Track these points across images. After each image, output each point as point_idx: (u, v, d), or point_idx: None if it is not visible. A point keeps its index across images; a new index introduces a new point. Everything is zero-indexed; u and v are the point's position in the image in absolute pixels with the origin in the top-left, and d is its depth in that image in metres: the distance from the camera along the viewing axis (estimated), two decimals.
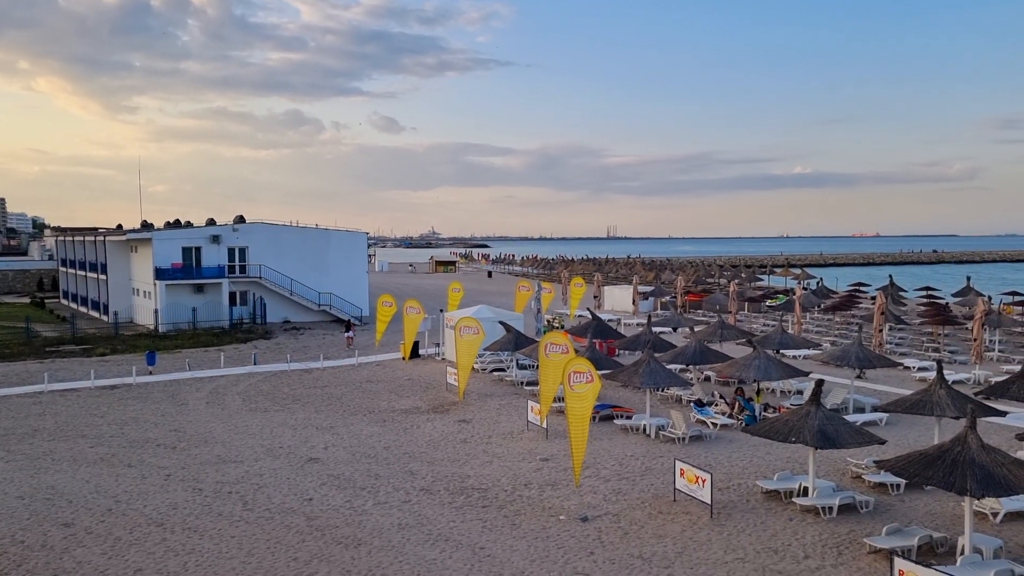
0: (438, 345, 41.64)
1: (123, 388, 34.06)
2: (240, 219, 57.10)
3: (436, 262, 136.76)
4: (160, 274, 51.46)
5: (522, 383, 33.65)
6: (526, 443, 24.73)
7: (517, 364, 35.36)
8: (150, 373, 36.77)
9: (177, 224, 66.65)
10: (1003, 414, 21.31)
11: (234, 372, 37.66)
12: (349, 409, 29.99)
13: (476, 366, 36.20)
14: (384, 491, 20.30)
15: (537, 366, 28.18)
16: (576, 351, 26.58)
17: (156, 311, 51.36)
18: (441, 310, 44.15)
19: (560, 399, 26.12)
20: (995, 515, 17.57)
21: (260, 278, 54.15)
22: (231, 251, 54.42)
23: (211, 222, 58.86)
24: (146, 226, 66.87)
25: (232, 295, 53.65)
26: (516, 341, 33.37)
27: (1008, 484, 14.08)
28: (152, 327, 51.49)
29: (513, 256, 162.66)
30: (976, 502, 16.52)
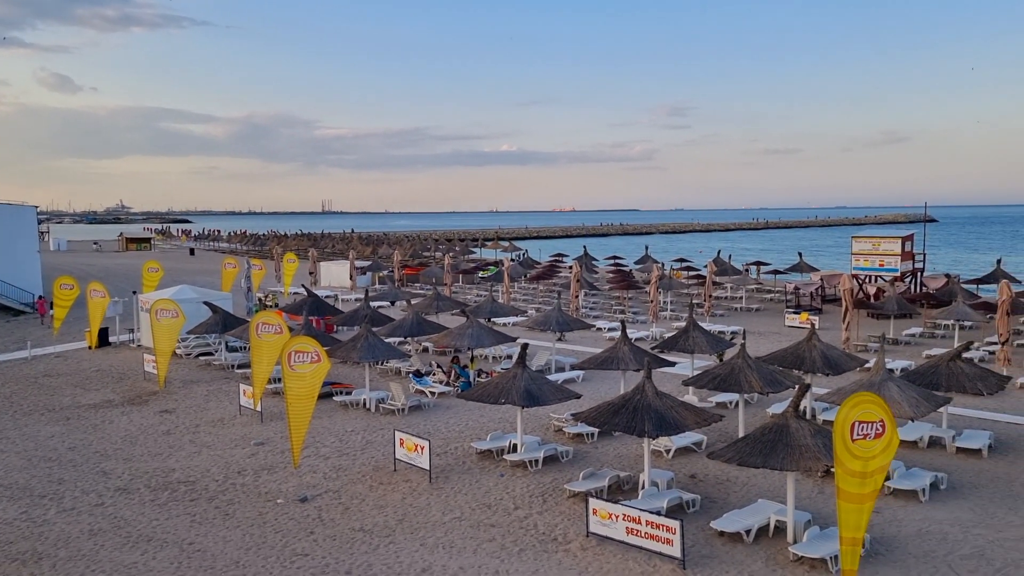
0: (132, 331, 37.72)
1: None
2: None
3: (127, 239, 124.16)
4: None
5: (232, 366, 31.79)
6: (239, 429, 23.46)
7: (226, 346, 33.30)
8: None
9: None
10: (672, 364, 24.70)
11: None
12: (22, 409, 26.02)
13: (179, 351, 33.52)
14: (70, 496, 17.99)
15: (249, 347, 26.77)
16: (291, 329, 25.73)
17: None
18: (135, 292, 39.96)
19: (276, 380, 25.15)
20: (668, 452, 20.38)
21: None
22: None
23: None
24: None
25: None
26: (224, 322, 31.39)
27: (677, 424, 16.39)
28: None
29: (219, 232, 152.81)
30: (653, 442, 18.99)
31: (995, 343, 32.16)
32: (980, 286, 46.53)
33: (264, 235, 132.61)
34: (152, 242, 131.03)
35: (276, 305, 43.72)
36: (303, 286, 46.66)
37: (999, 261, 47.76)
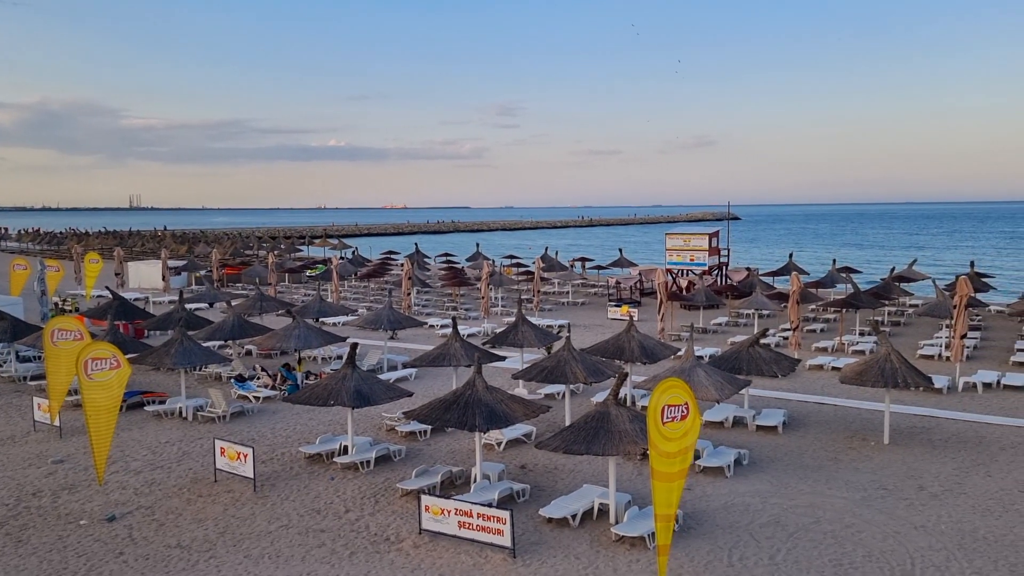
0: None
1: None
2: None
3: None
4: None
5: (24, 378, 28.70)
6: (33, 446, 21.20)
7: (17, 356, 29.98)
8: None
9: None
10: (503, 359, 25.20)
11: None
12: None
13: None
14: None
15: (43, 357, 24.26)
16: (94, 335, 23.63)
17: None
18: None
19: (76, 391, 22.98)
20: (499, 444, 20.77)
21: None
22: None
23: None
24: None
25: None
26: (13, 329, 28.30)
27: (507, 417, 16.75)
28: None
29: (7, 230, 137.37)
30: (484, 435, 19.30)
31: (788, 329, 35.61)
32: (775, 278, 51.33)
33: (62, 233, 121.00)
34: None
35: (76, 310, 39.96)
36: (108, 288, 42.93)
37: (791, 255, 52.97)
